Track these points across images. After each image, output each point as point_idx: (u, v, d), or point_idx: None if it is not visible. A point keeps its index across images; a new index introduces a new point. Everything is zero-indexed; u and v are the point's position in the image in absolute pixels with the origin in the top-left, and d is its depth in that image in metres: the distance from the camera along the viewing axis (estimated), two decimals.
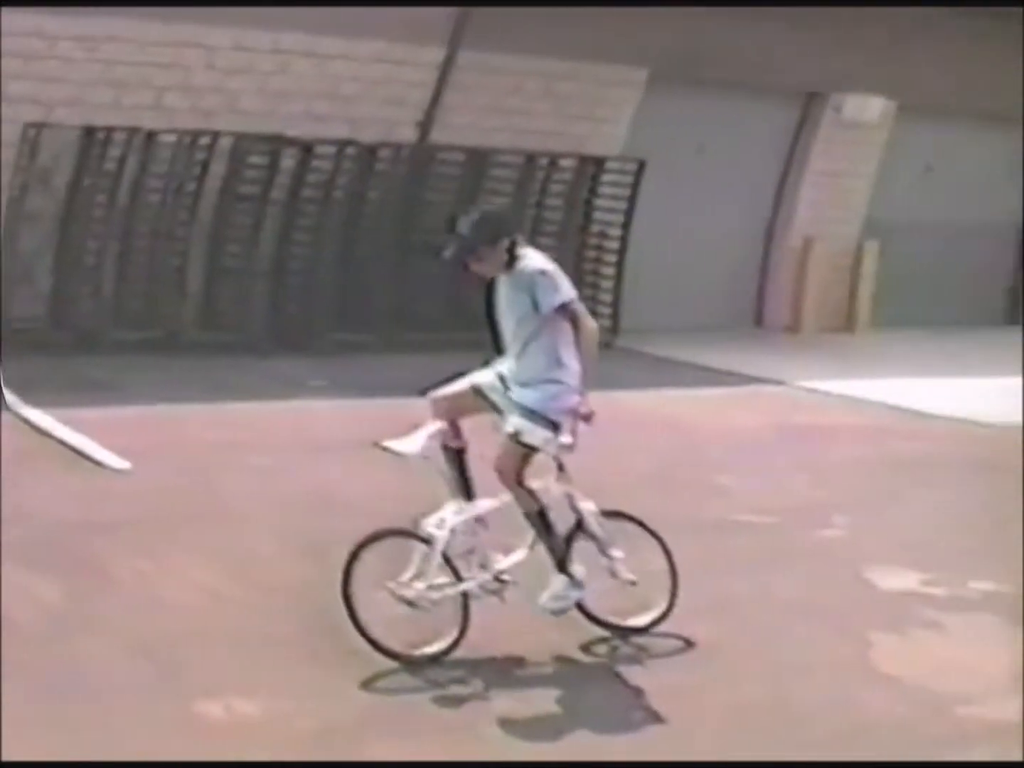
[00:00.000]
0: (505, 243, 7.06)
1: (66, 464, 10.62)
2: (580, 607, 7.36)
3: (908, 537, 8.89)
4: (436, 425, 7.07)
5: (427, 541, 6.92)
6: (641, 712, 6.65)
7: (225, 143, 15.92)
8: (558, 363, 7.10)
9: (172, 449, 11.37)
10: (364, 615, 6.87)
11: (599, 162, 18.21)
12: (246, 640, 7.17)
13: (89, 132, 15.43)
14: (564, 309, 7.08)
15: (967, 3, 19.48)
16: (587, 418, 6.99)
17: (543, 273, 7.09)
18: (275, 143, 16.15)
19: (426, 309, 16.94)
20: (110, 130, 15.42)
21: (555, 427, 6.98)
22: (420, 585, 6.87)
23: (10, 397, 9.62)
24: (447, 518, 6.99)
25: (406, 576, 6.89)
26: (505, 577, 7.19)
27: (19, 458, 10.15)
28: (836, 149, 21.02)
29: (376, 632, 6.87)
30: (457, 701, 6.67)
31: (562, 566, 7.17)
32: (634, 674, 7.09)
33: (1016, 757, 6.10)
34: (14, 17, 14.45)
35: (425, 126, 17.39)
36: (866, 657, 7.44)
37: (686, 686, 6.88)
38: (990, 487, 11.30)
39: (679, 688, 6.83)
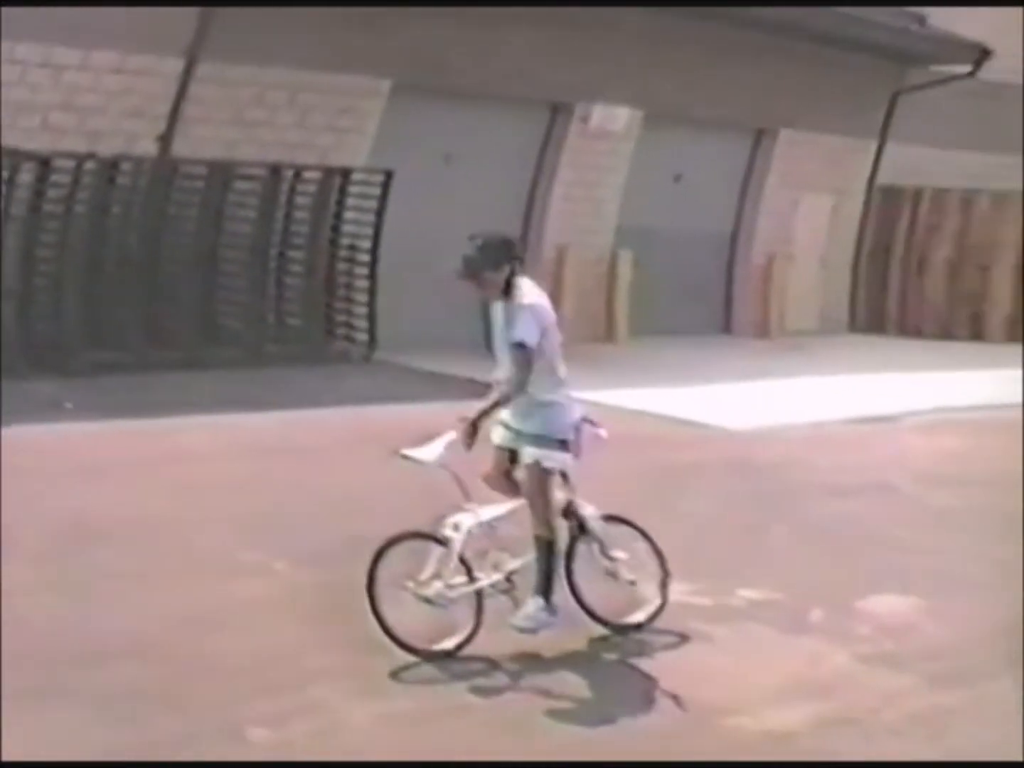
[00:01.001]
0: (507, 270, 7.35)
1: None
2: (584, 608, 7.77)
3: (675, 546, 8.69)
4: (451, 435, 7.32)
5: (444, 543, 7.29)
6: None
7: None
8: (551, 385, 7.45)
9: None
10: (386, 612, 7.22)
11: (345, 173, 17.89)
12: None
13: None
14: (521, 346, 7.28)
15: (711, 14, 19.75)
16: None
17: (527, 307, 7.34)
18: (12, 157, 15.37)
19: (179, 327, 16.46)
20: None
21: (564, 444, 7.38)
22: (438, 584, 7.22)
23: None
24: (462, 522, 7.34)
25: (424, 576, 7.23)
26: (516, 577, 7.52)
27: None
28: (584, 159, 21.03)
29: (397, 629, 7.20)
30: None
31: (545, 591, 7.41)
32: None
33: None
34: None
35: (166, 139, 16.73)
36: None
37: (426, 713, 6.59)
38: (749, 492, 11.47)
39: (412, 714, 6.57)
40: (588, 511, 7.70)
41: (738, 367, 18.72)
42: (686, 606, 8.12)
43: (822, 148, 23.71)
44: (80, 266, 15.95)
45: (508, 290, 7.37)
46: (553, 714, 6.66)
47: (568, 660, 7.39)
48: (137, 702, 6.38)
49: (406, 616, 7.21)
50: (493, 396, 7.40)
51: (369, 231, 17.98)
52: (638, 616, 7.87)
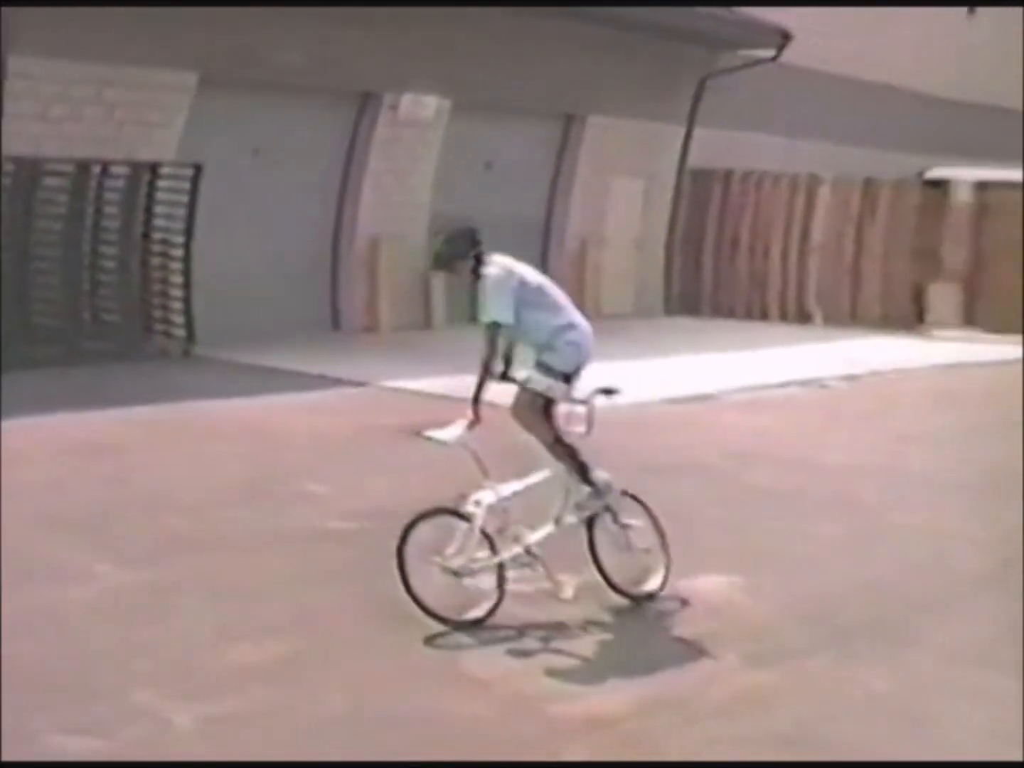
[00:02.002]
0: (472, 256, 8.06)
1: None
2: (605, 578, 8.20)
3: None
4: (469, 418, 7.73)
5: (467, 519, 7.67)
6: None
7: None
8: (554, 328, 8.05)
9: None
10: (416, 584, 7.65)
11: (154, 168, 17.63)
12: None
13: None
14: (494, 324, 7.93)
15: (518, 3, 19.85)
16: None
17: (489, 282, 7.99)
18: None
19: (47, 321, 16.39)
20: None
21: (566, 378, 8.01)
22: (462, 558, 7.64)
23: None
24: (483, 499, 7.74)
25: (450, 550, 7.63)
26: (535, 551, 7.93)
27: None
28: (395, 148, 21.02)
29: (427, 599, 7.63)
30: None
31: (585, 479, 8.06)
32: None
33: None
34: None
35: None
36: (456, 662, 7.28)
37: (254, 712, 6.50)
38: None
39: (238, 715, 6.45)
40: (604, 478, 8.14)
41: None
42: (511, 594, 8.00)
43: (631, 133, 24.00)
44: None
45: (477, 271, 8.06)
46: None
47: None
48: None
49: (435, 589, 7.60)
50: (479, 377, 7.88)
51: (181, 225, 17.77)
52: (652, 585, 8.26)
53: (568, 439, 8.07)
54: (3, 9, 15.70)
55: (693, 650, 7.50)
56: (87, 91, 17.13)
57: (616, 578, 8.22)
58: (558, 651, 7.43)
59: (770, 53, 24.26)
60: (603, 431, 8.08)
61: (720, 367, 18.64)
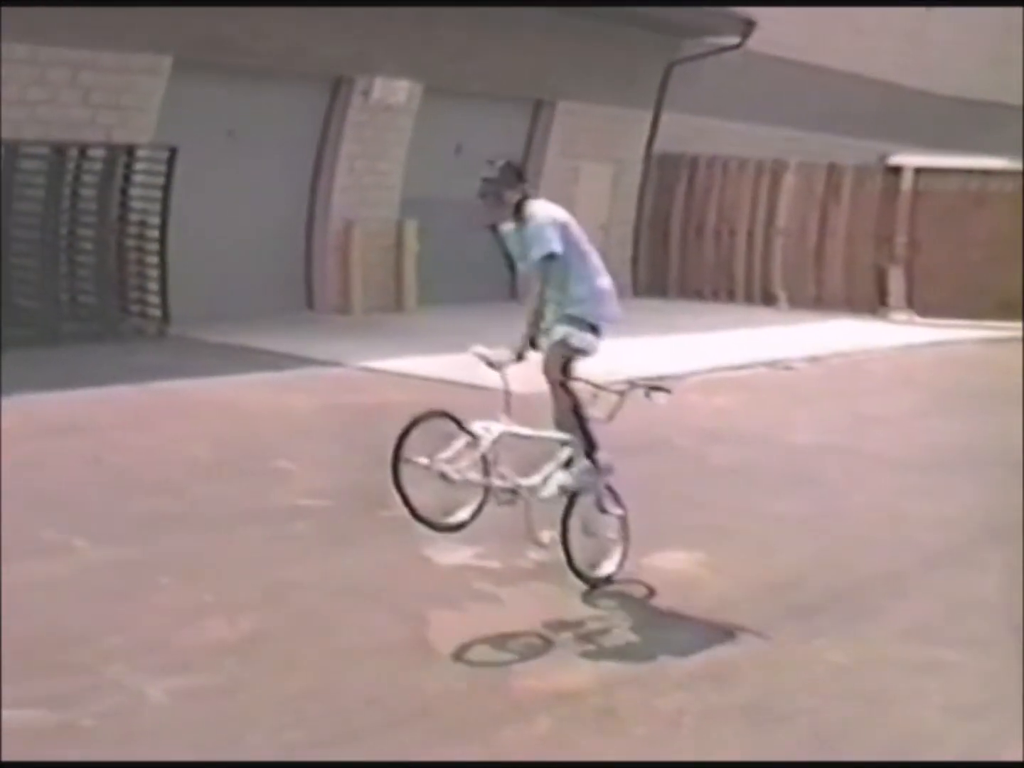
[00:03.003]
0: (519, 191, 7.89)
1: None
2: (568, 556, 8.00)
3: None
4: (517, 349, 7.80)
5: (472, 436, 7.50)
6: None
7: None
8: (589, 283, 7.92)
9: None
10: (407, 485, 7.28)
11: (130, 150, 17.79)
12: None
13: None
14: (546, 260, 7.78)
15: None
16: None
17: (543, 223, 7.82)
18: None
19: (25, 303, 16.51)
20: None
21: (595, 330, 7.92)
22: (454, 468, 7.40)
23: None
24: (493, 427, 7.60)
25: (444, 456, 7.36)
26: (520, 491, 7.75)
27: None
28: (367, 132, 21.22)
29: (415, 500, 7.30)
30: None
31: (590, 453, 7.94)
32: None
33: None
34: None
35: None
36: (423, 636, 7.32)
37: (226, 685, 6.58)
38: (538, 454, 11.35)
39: (210, 688, 6.55)
40: (607, 459, 8.06)
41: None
42: (476, 569, 8.17)
43: (600, 118, 24.23)
44: None
45: (519, 213, 7.87)
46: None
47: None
48: None
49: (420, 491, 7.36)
50: (528, 316, 7.87)
51: (157, 207, 17.91)
52: (606, 569, 8.17)
53: (584, 412, 7.98)
54: None
55: (656, 625, 7.57)
56: (63, 75, 17.27)
57: (577, 557, 8.05)
58: (524, 627, 7.48)
59: (735, 40, 24.54)
60: None
61: (686, 348, 18.88)
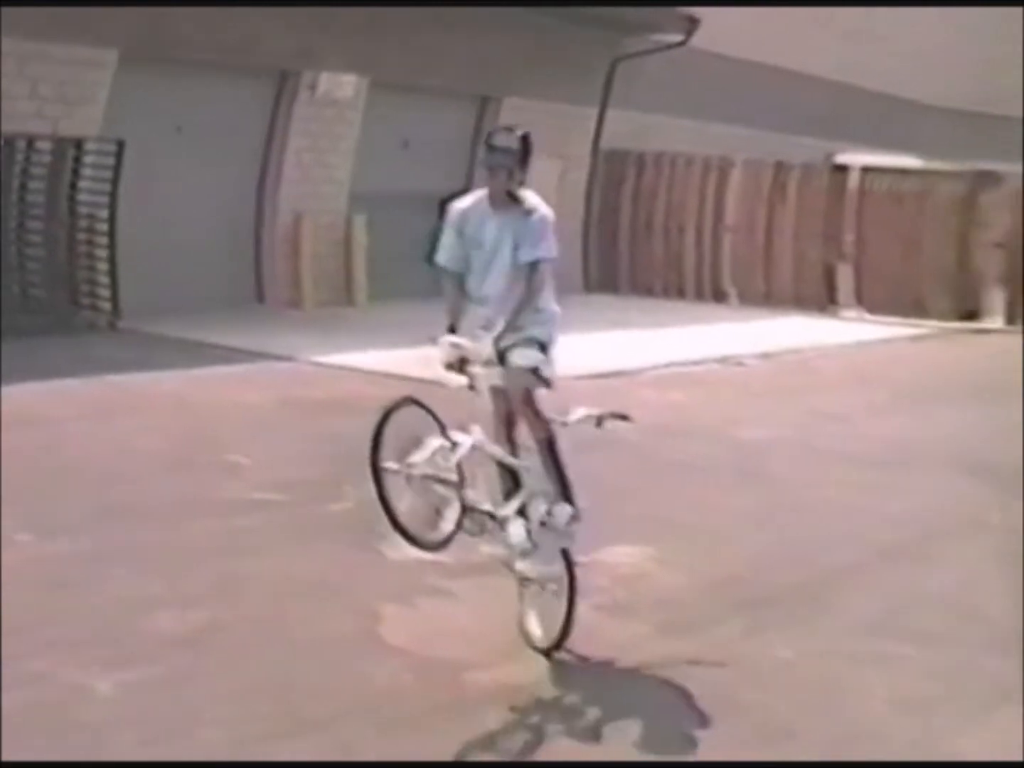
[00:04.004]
0: (525, 171, 6.82)
1: None
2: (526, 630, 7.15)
3: None
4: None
5: (452, 442, 6.58)
6: None
7: None
8: (552, 307, 7.04)
9: None
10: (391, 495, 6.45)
11: (78, 144, 17.71)
12: None
13: None
14: (535, 264, 6.82)
15: None
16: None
17: (546, 219, 6.90)
18: None
19: None
20: None
21: (543, 349, 6.90)
22: (428, 470, 6.50)
23: None
24: (465, 440, 6.63)
25: (416, 459, 6.48)
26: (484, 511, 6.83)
27: None
28: (314, 126, 21.22)
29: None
30: None
31: (567, 495, 6.99)
32: None
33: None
34: None
35: None
36: (374, 630, 7.30)
37: (176, 678, 6.55)
38: None
39: (160, 681, 6.52)
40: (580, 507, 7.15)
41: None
42: (428, 563, 7.96)
43: (546, 114, 24.15)
44: None
45: (515, 198, 6.88)
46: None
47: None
48: None
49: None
50: (508, 313, 6.81)
51: (106, 200, 17.87)
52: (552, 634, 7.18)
53: (558, 446, 7.01)
54: None
55: (606, 619, 7.54)
56: (9, 66, 17.14)
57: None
58: (473, 621, 7.49)
59: (679, 38, 24.63)
60: None
61: (637, 344, 18.92)
